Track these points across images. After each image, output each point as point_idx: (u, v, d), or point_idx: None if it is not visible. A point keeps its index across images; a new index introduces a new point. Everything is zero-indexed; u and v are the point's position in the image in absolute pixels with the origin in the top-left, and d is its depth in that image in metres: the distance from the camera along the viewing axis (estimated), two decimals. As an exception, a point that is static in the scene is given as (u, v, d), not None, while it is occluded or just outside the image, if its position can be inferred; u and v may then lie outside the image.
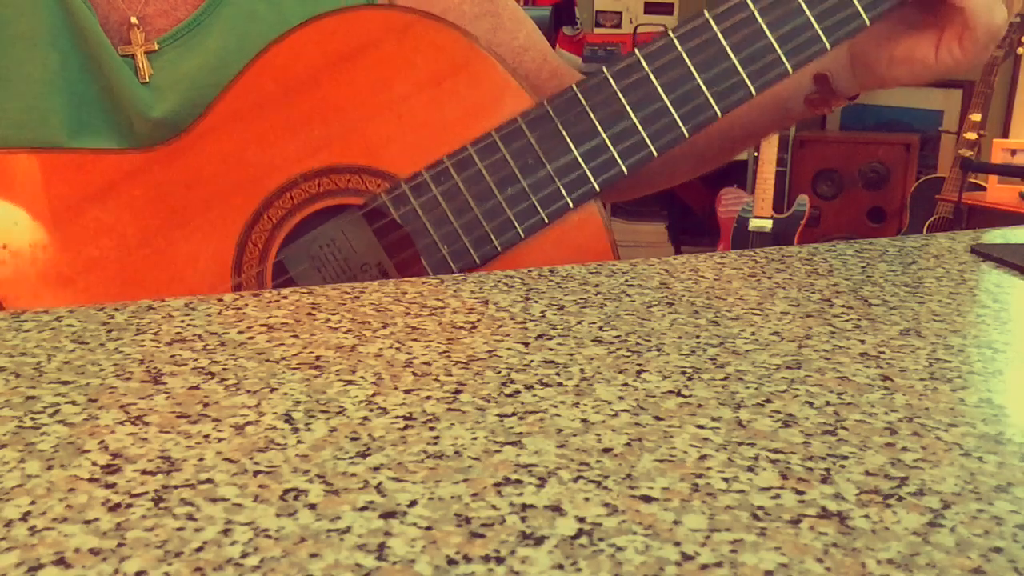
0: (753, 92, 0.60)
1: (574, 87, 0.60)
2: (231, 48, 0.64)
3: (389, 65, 0.60)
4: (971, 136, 2.89)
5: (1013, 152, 2.83)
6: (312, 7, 0.64)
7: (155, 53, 0.64)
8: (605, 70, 0.60)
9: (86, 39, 0.63)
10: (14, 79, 0.62)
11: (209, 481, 0.28)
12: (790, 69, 0.60)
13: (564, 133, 0.59)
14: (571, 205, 0.60)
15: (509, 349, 0.40)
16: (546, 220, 0.60)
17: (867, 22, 0.60)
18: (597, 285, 0.49)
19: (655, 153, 0.60)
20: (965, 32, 0.60)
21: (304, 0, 0.67)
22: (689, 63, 0.59)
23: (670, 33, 0.60)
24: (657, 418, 0.33)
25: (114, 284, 0.59)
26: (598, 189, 0.60)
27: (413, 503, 0.27)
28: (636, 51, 0.60)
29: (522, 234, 0.60)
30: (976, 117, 2.90)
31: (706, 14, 0.60)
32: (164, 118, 0.62)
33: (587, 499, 0.27)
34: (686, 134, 0.60)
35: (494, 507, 0.27)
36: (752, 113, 0.72)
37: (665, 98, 0.59)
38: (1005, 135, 3.22)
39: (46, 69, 0.62)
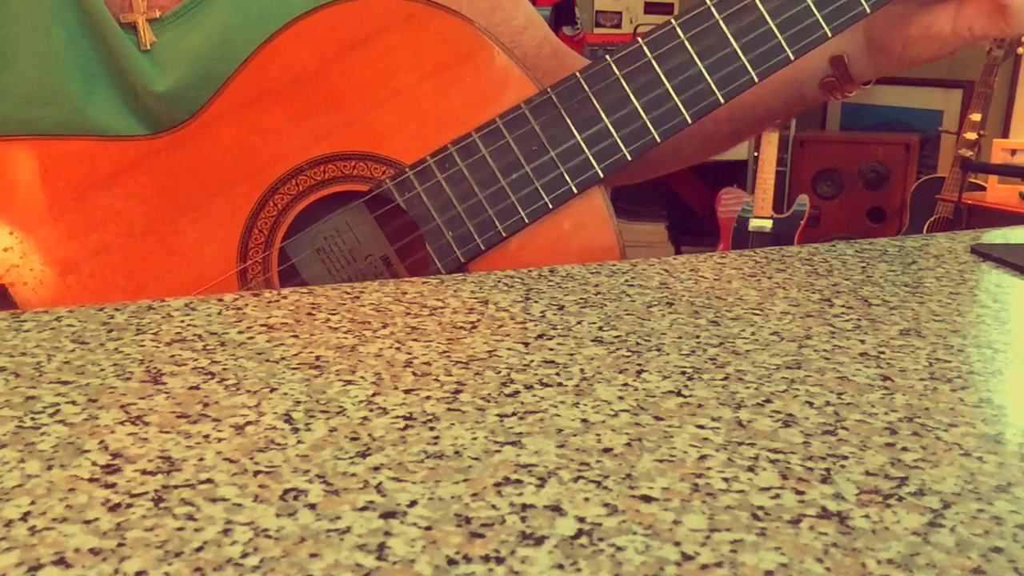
0: (755, 79, 0.60)
1: (577, 74, 0.60)
2: (234, 23, 0.65)
3: (394, 54, 0.61)
4: (971, 136, 2.89)
5: (1013, 152, 2.83)
6: None
7: (158, 24, 0.64)
8: (608, 57, 0.60)
9: (89, 12, 0.63)
10: (20, 56, 0.63)
11: (209, 481, 0.28)
12: (791, 56, 0.60)
13: (567, 119, 0.60)
14: (574, 191, 0.60)
15: (509, 349, 0.40)
16: (550, 206, 0.60)
17: (867, 10, 0.60)
18: (597, 285, 0.49)
19: (658, 139, 0.60)
20: (1004, 8, 0.60)
21: None
22: (691, 50, 0.60)
23: (672, 21, 0.60)
24: (657, 418, 0.33)
25: (121, 270, 0.60)
26: (601, 175, 0.60)
27: (413, 503, 0.27)
28: (639, 39, 0.60)
29: (526, 219, 0.60)
30: (976, 117, 2.90)
31: (708, 2, 0.60)
32: (168, 92, 0.63)
33: (587, 499, 0.27)
34: (689, 120, 0.60)
35: (494, 507, 0.27)
36: (766, 96, 0.72)
37: (668, 84, 0.60)
38: (1005, 135, 3.22)
39: (51, 44, 0.63)
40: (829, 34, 0.60)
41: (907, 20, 0.64)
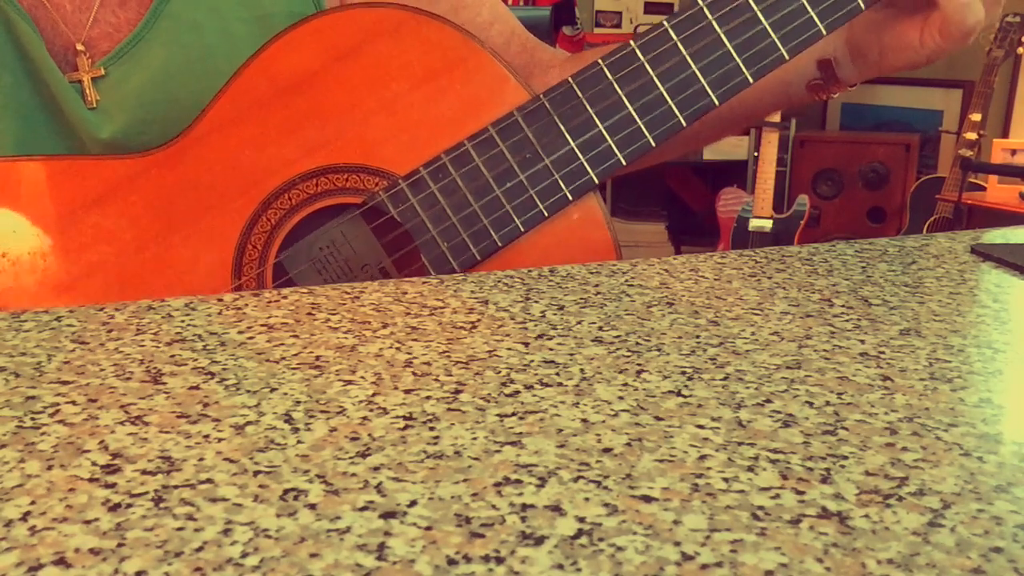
0: (750, 80, 0.60)
1: (570, 79, 0.60)
2: (176, 62, 0.64)
3: (384, 63, 0.60)
4: (971, 136, 2.90)
5: (1013, 152, 2.83)
6: (254, 10, 0.64)
7: (101, 78, 0.64)
8: (600, 61, 0.60)
9: (34, 64, 0.63)
10: None
11: (209, 481, 0.28)
12: (787, 55, 0.60)
13: (561, 126, 0.60)
14: (570, 197, 0.60)
15: (509, 349, 0.40)
16: (545, 213, 0.60)
17: (861, 6, 0.60)
18: (597, 285, 0.49)
19: (653, 143, 0.60)
20: (943, 24, 0.62)
21: (246, 5, 0.66)
22: (684, 52, 0.59)
23: (665, 23, 0.60)
24: (657, 418, 0.33)
25: (113, 290, 0.59)
26: (596, 181, 0.60)
27: (413, 503, 0.27)
28: (631, 42, 0.60)
29: (521, 228, 0.60)
30: (976, 117, 2.90)
31: (700, 2, 0.60)
32: (114, 139, 0.62)
33: (587, 499, 0.27)
34: (683, 123, 0.60)
35: (494, 507, 0.27)
36: (752, 98, 0.72)
37: (661, 87, 0.59)
38: (1005, 135, 3.22)
39: None
40: (824, 32, 0.60)
41: (882, 28, 0.65)
